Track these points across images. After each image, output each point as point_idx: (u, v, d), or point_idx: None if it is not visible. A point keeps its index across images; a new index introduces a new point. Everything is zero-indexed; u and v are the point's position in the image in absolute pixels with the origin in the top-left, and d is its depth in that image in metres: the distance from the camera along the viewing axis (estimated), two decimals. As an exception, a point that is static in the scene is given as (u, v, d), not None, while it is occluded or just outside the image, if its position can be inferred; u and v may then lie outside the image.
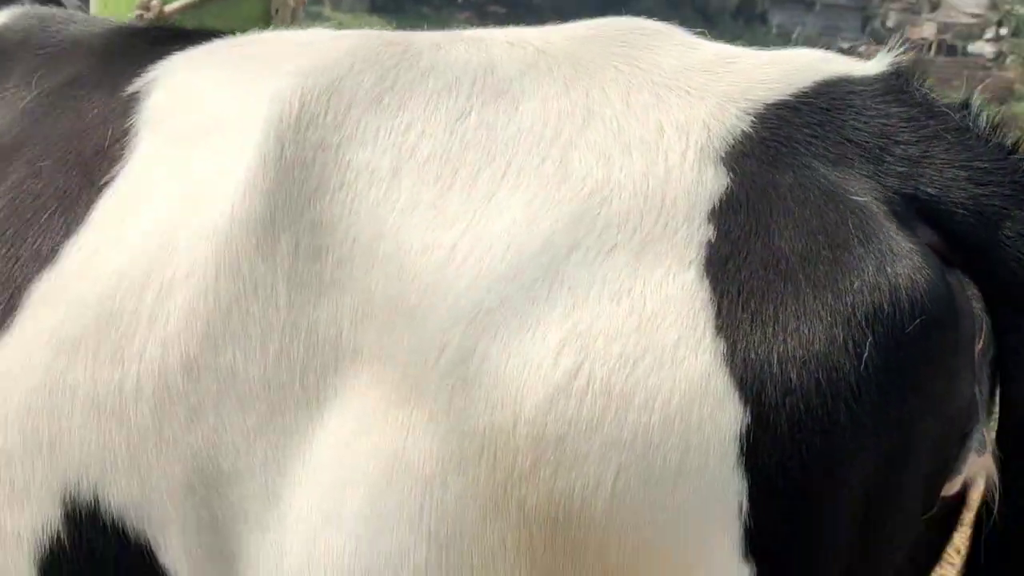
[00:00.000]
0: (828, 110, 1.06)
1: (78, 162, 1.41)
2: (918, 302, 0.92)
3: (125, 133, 1.38)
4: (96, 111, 1.47)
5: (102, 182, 1.34)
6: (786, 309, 0.92)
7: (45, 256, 1.31)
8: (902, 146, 1.02)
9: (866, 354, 0.90)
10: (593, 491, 0.92)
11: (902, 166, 1.01)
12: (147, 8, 2.29)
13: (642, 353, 0.92)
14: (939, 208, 1.00)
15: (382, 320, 1.05)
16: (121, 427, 1.19)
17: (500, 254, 1.00)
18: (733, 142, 1.03)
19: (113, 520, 1.22)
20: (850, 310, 0.91)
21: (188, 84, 1.40)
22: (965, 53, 52.44)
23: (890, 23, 57.62)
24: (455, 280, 1.01)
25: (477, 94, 1.12)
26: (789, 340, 0.91)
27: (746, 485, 0.91)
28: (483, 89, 1.13)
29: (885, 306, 0.90)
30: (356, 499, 1.05)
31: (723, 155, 1.02)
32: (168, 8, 2.30)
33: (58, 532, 1.24)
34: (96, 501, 1.22)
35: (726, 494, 0.91)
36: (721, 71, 1.11)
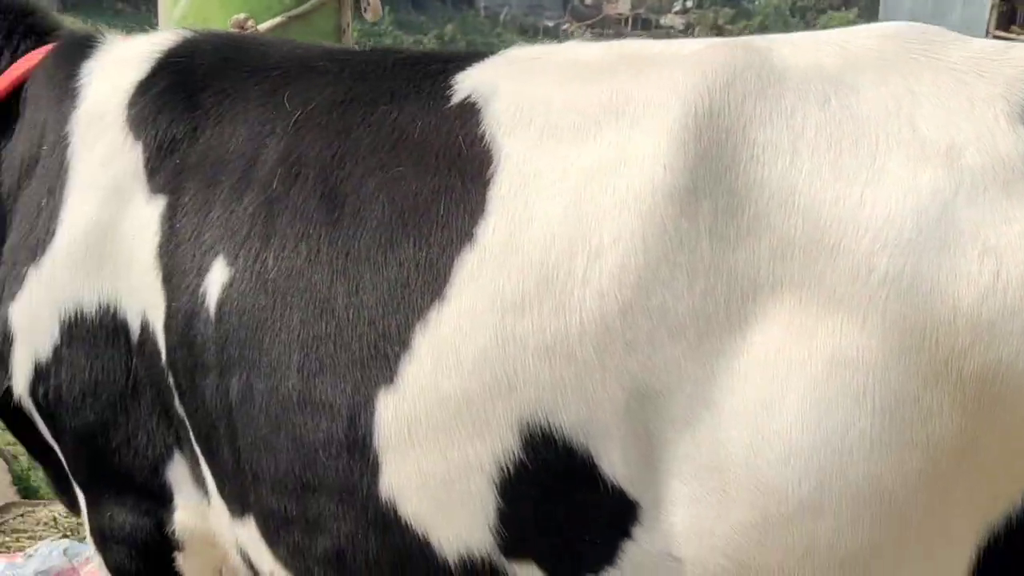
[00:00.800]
0: None
1: (444, 164, 1.59)
2: None
3: (481, 137, 1.59)
4: (422, 123, 1.67)
5: (485, 177, 1.55)
6: None
7: (458, 240, 1.52)
8: None
9: None
10: (1015, 357, 1.32)
11: None
12: (242, 27, 2.43)
13: None
14: None
15: (802, 256, 1.39)
16: (569, 365, 1.43)
17: (902, 199, 1.37)
18: None
19: (564, 441, 1.45)
20: None
21: (524, 93, 1.64)
22: (658, 26, 56.53)
23: (588, 1, 61.05)
24: (871, 220, 1.36)
25: (826, 84, 1.47)
26: None
27: None
28: (826, 81, 1.46)
29: None
30: (796, 391, 1.35)
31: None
32: (261, 27, 2.45)
33: (517, 457, 1.47)
34: (549, 427, 1.45)
35: None
36: (1000, 58, 1.51)
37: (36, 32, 2.27)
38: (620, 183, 1.46)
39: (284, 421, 1.67)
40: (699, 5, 56.96)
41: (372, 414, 1.58)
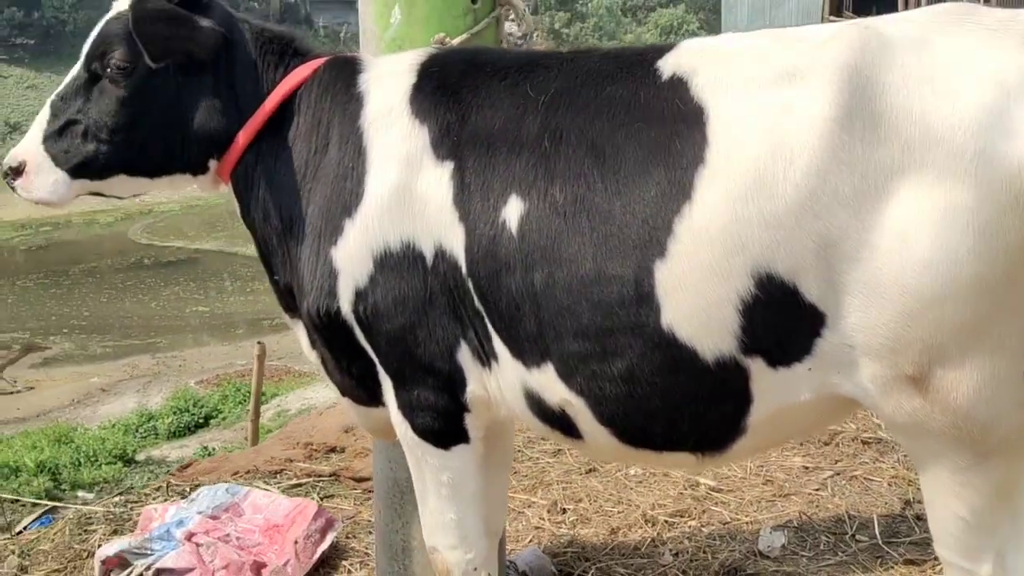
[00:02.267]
0: None
1: (671, 118, 2.34)
2: None
3: (694, 98, 2.33)
4: (644, 93, 2.42)
5: (703, 121, 2.30)
6: None
7: (694, 162, 2.29)
8: None
9: None
10: None
11: None
12: (441, 43, 3.12)
13: None
14: None
15: (917, 150, 2.10)
16: (779, 230, 2.19)
17: (976, 106, 2.06)
18: None
19: (779, 279, 2.22)
20: None
21: (716, 69, 2.37)
22: (497, 34, 57.57)
23: (426, 13, 61.59)
24: (960, 121, 2.05)
25: (915, 43, 2.18)
26: None
27: None
28: (914, 42, 2.19)
29: None
30: (925, 228, 2.08)
31: None
32: (453, 41, 3.14)
33: (751, 292, 2.25)
34: (769, 271, 2.22)
35: None
36: (1013, 20, 2.16)
37: (300, 53, 3.01)
38: (801, 115, 2.21)
39: (583, 292, 2.42)
40: (534, 11, 58.19)
41: (652, 276, 2.34)
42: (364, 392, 2.97)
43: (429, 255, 2.64)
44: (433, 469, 2.90)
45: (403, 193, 2.66)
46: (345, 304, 2.75)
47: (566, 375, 2.53)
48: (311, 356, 3.10)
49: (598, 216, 2.41)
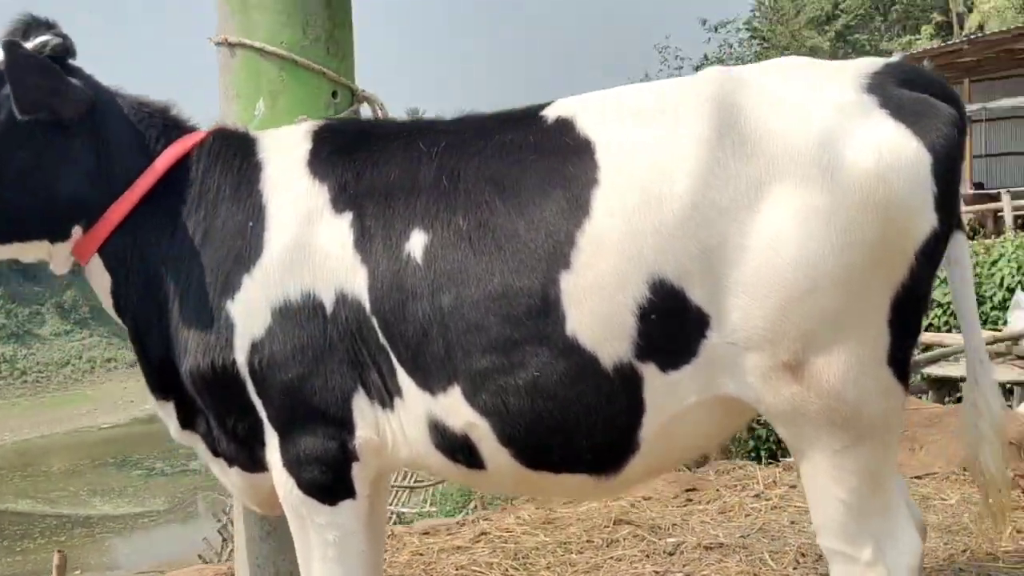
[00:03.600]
0: None
1: (562, 149, 2.62)
2: None
3: (580, 133, 2.63)
4: (533, 136, 2.70)
5: (592, 149, 2.60)
6: None
7: (588, 182, 2.56)
8: None
9: None
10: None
11: None
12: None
13: None
14: None
15: (780, 163, 2.42)
16: (669, 239, 2.46)
17: (833, 118, 2.49)
18: None
19: (670, 285, 2.47)
20: None
21: (597, 111, 2.68)
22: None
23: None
24: (815, 137, 2.44)
25: (766, 77, 2.58)
26: None
27: None
28: (777, 78, 2.58)
29: None
30: (791, 228, 2.40)
31: None
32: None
33: (646, 298, 2.48)
34: (662, 278, 2.47)
35: None
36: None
37: (178, 124, 3.12)
38: (680, 140, 2.54)
39: (491, 307, 2.59)
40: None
41: (557, 286, 2.55)
42: (248, 456, 2.96)
43: (329, 303, 2.76)
44: (319, 528, 2.89)
45: (302, 247, 2.79)
46: (240, 355, 2.80)
47: (472, 394, 2.65)
48: (182, 438, 3.08)
49: (503, 235, 2.62)
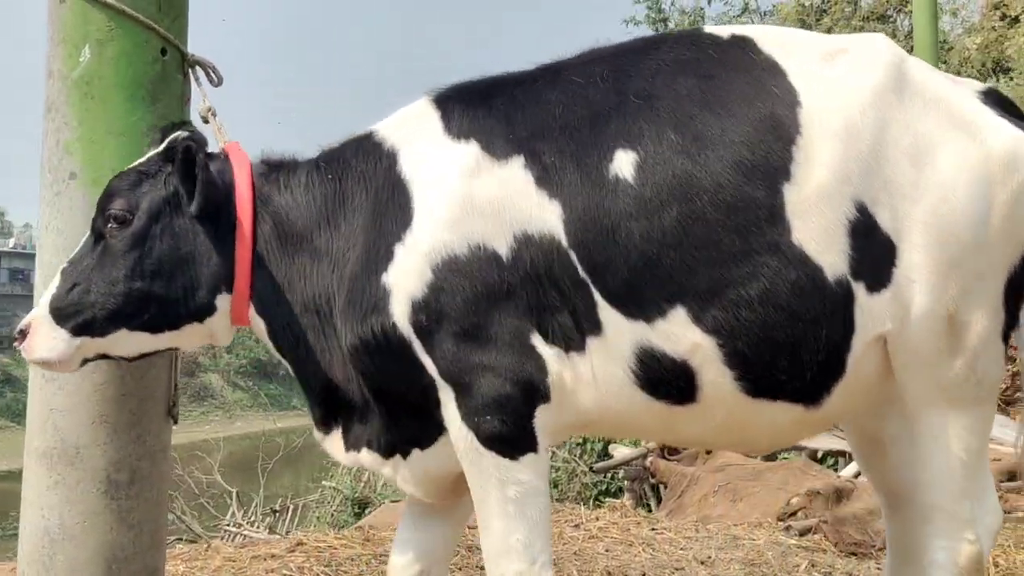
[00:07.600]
0: None
1: (759, 82, 2.74)
2: None
3: (762, 54, 2.79)
4: (704, 56, 2.81)
5: (779, 73, 2.76)
6: None
7: (772, 102, 2.71)
8: None
9: None
10: None
11: None
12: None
13: None
14: None
15: (952, 130, 2.73)
16: (863, 166, 2.66)
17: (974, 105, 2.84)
18: None
19: (868, 211, 2.65)
20: None
21: (777, 38, 2.85)
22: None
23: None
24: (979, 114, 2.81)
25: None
26: None
27: None
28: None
29: None
30: (965, 190, 2.70)
31: None
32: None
33: (857, 221, 2.64)
34: (863, 202, 2.65)
35: None
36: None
37: (195, 139, 3.07)
38: (867, 81, 2.74)
39: (722, 220, 2.62)
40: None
41: (783, 197, 2.63)
42: (422, 428, 2.90)
43: (505, 250, 2.70)
44: (498, 484, 2.79)
45: (464, 202, 2.74)
46: (401, 318, 2.75)
47: (699, 312, 2.64)
48: (348, 461, 3.02)
49: (722, 146, 2.66)
